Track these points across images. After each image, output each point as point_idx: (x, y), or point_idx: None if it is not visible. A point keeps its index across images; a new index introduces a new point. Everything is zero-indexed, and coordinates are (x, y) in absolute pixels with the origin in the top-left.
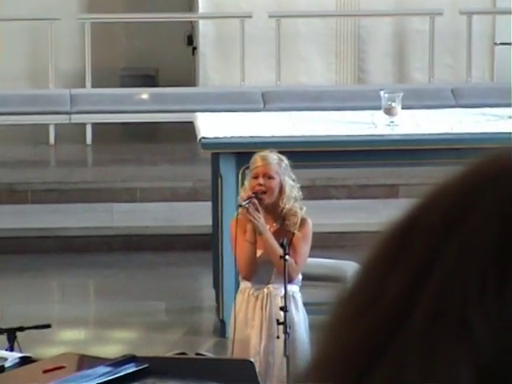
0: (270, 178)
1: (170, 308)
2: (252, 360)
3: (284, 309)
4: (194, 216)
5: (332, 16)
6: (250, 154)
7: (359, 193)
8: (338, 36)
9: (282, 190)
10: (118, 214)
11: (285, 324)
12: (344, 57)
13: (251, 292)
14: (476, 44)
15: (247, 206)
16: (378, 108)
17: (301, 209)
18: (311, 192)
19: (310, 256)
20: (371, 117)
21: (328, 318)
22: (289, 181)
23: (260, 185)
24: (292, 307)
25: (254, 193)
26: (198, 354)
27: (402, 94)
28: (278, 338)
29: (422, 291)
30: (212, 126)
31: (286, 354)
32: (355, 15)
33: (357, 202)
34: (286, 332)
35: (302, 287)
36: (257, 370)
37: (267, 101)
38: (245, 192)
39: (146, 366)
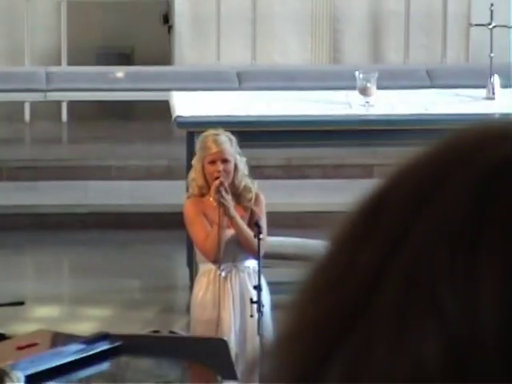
0: (227, 161)
1: (144, 286)
2: (225, 339)
3: (258, 288)
4: (169, 194)
5: None
6: None
7: (334, 173)
8: (314, 16)
9: (236, 169)
10: (93, 191)
11: (258, 302)
12: (319, 36)
13: (218, 273)
14: (451, 25)
15: (222, 192)
16: (353, 88)
17: (252, 183)
18: (286, 171)
19: (285, 235)
20: (346, 97)
21: (297, 293)
22: (239, 158)
23: (219, 171)
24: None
25: (217, 178)
26: (171, 332)
27: (377, 74)
28: (251, 316)
29: (393, 264)
30: (187, 104)
31: (259, 333)
32: None
33: (331, 182)
34: (259, 310)
35: (274, 266)
36: (232, 348)
37: (242, 80)
38: (197, 175)
39: (119, 343)
